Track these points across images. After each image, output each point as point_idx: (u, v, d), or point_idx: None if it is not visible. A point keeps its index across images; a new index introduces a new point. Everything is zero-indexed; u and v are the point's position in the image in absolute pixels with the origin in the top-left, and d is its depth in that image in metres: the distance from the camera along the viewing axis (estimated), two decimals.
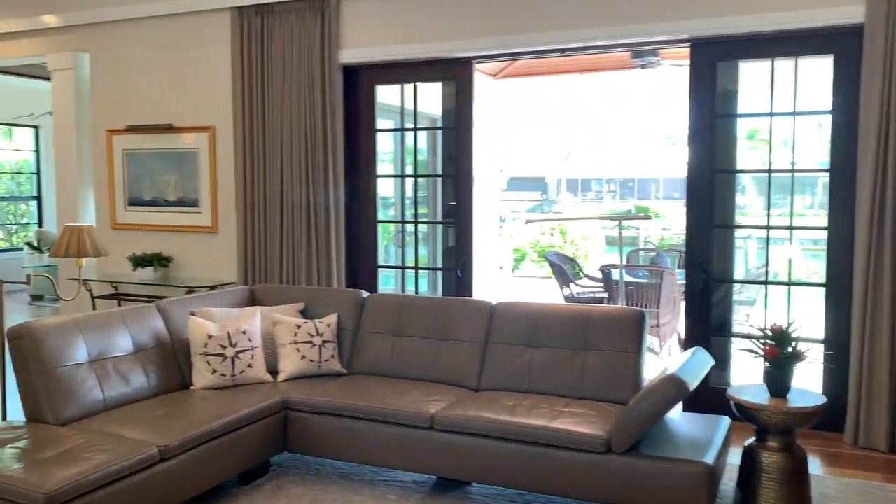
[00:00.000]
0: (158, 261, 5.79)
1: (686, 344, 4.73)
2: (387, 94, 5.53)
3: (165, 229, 5.97)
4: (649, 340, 4.34)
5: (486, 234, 6.47)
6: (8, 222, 10.88)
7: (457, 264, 5.18)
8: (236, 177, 5.59)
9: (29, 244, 9.39)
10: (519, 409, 3.36)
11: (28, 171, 11.05)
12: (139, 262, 5.75)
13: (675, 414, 3.43)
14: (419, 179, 5.96)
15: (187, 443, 3.07)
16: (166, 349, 3.79)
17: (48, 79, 9.82)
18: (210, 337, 3.77)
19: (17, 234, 10.95)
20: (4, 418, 3.85)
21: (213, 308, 4.05)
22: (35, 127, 11.00)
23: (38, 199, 11.11)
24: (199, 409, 3.40)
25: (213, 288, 5.52)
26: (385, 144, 6.10)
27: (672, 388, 2.97)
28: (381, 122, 5.56)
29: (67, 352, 3.30)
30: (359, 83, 5.39)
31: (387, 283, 5.88)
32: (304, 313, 4.24)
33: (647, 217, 12.69)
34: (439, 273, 6.20)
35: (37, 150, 11.07)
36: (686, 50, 4.61)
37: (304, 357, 3.93)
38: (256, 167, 5.50)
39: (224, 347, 3.77)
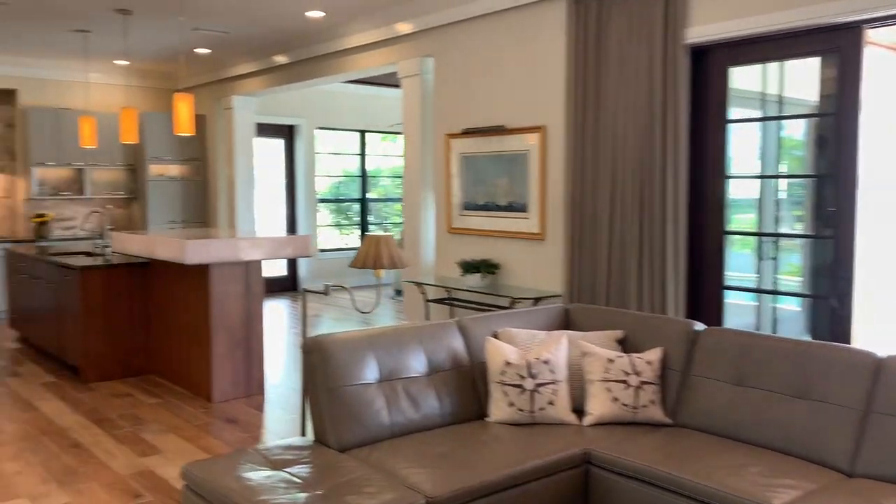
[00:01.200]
0: (486, 267, 5.55)
1: None
2: (742, 79, 4.53)
3: (495, 235, 5.72)
4: None
5: (880, 252, 5.04)
6: (385, 221, 11.89)
7: (831, 291, 4.01)
8: (565, 181, 5.08)
9: None
10: None
11: (402, 174, 11.96)
12: (468, 267, 5.58)
13: None
14: (784, 181, 4.83)
15: (460, 496, 2.62)
16: (464, 372, 3.42)
17: None
18: (508, 364, 3.30)
19: (393, 233, 11.92)
20: (304, 433, 3.85)
21: (517, 329, 3.58)
22: None
23: None
24: (486, 452, 2.94)
25: (537, 301, 5.10)
26: (741, 138, 5.07)
27: None
28: (734, 112, 4.59)
29: (357, 369, 3.09)
30: (707, 67, 4.50)
31: (735, 312, 4.86)
32: (623, 344, 3.56)
33: None
34: (806, 301, 4.98)
35: None
36: None
37: (615, 399, 3.26)
38: (586, 170, 4.93)
39: (523, 378, 3.27)
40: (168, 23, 6.77)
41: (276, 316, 8.79)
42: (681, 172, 4.47)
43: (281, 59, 8.12)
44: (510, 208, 5.60)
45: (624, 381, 3.27)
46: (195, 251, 4.74)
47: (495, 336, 3.57)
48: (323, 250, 11.04)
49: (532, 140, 5.40)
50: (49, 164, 8.84)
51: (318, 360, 3.06)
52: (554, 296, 5.16)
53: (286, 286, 10.80)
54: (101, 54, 8.29)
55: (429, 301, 5.97)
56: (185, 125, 5.58)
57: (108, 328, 5.70)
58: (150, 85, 9.81)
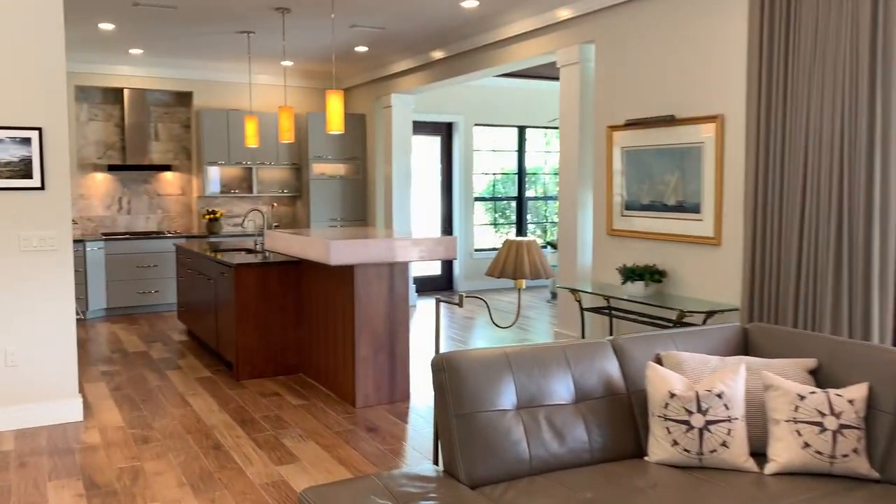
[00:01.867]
0: (650, 275, 4.99)
1: None
2: None
3: (661, 238, 5.14)
4: None
5: None
6: (542, 220, 11.46)
7: None
8: (746, 177, 4.43)
9: (550, 243, 9.62)
10: None
11: None
12: (630, 274, 5.05)
13: None
14: None
15: None
16: (619, 402, 2.95)
17: None
18: (673, 396, 2.80)
19: (550, 233, 11.46)
20: (437, 461, 3.53)
21: (685, 353, 3.05)
22: None
23: None
24: (644, 501, 2.47)
25: (709, 315, 4.49)
26: None
27: None
28: None
29: (493, 393, 2.72)
30: None
31: None
32: (816, 376, 2.93)
33: None
34: None
35: None
36: None
37: (806, 445, 2.66)
38: (772, 164, 4.26)
39: (690, 413, 2.75)
40: (325, 21, 6.74)
41: (429, 317, 8.62)
42: (890, 168, 3.71)
43: (437, 54, 7.92)
44: (680, 208, 5.00)
45: (818, 424, 2.67)
46: (339, 252, 4.58)
47: (658, 360, 3.06)
48: (478, 249, 10.79)
49: (707, 131, 4.78)
50: (220, 163, 9.21)
51: (448, 381, 2.72)
52: (729, 310, 4.52)
53: (441, 285, 10.66)
54: (265, 56, 8.49)
55: (585, 310, 5.49)
56: (335, 122, 5.46)
57: (260, 326, 5.72)
58: (312, 85, 9.99)
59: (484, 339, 7.14)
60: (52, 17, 4.52)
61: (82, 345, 7.02)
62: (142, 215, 9.31)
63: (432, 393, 5.29)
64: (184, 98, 9.50)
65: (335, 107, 5.42)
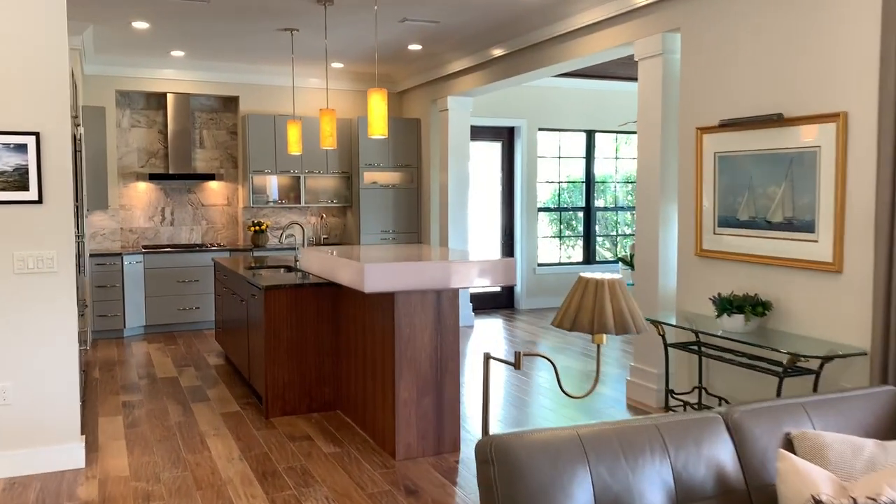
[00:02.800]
0: (753, 307, 4.12)
1: None
2: None
3: (764, 262, 4.26)
4: None
5: None
6: (613, 233, 10.56)
7: None
8: (879, 188, 3.54)
9: (622, 258, 8.75)
10: None
11: (634, 179, 10.54)
12: (726, 305, 4.18)
13: None
14: None
15: None
16: (739, 499, 2.14)
17: None
18: (818, 503, 1.97)
19: (622, 246, 10.55)
20: None
21: (828, 434, 2.21)
22: None
23: None
24: None
25: (827, 360, 3.60)
26: None
27: None
28: None
29: (561, 495, 1.95)
30: None
31: None
32: None
33: None
34: None
35: None
36: None
37: None
38: None
39: None
40: (371, 14, 6.08)
41: (486, 342, 7.85)
42: None
43: (497, 51, 7.17)
44: (788, 227, 4.12)
45: None
46: (374, 277, 3.87)
47: (789, 443, 2.24)
48: (542, 264, 9.97)
49: (824, 132, 3.89)
50: (267, 171, 8.66)
51: (498, 478, 1.95)
52: (855, 354, 3.63)
53: (501, 303, 9.87)
54: (311, 56, 7.90)
55: (669, 346, 4.65)
56: (377, 125, 4.77)
57: (293, 355, 5.06)
58: (362, 88, 9.36)
59: (549, 396, 6.33)
60: (52, 5, 3.95)
61: (111, 367, 6.51)
62: (185, 227, 8.83)
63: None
64: (229, 103, 9.00)
65: (378, 107, 4.73)
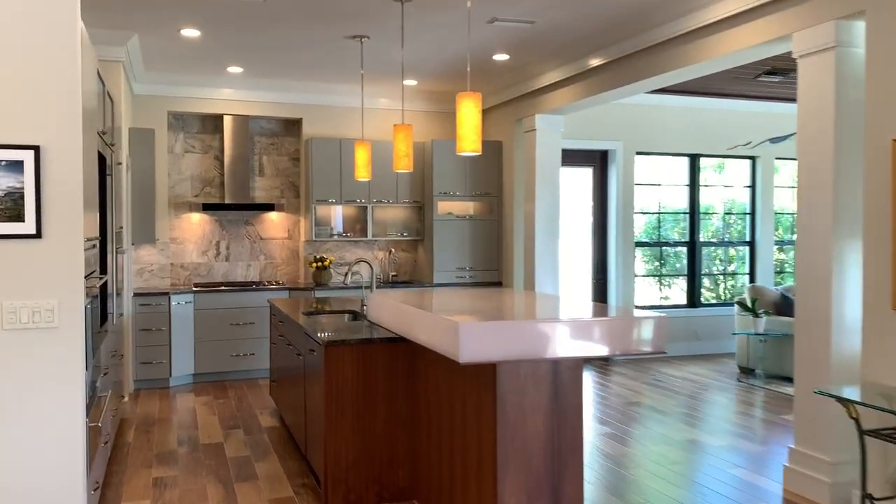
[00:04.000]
0: None
1: None
2: None
3: None
4: None
5: None
6: (715, 270, 9.28)
7: None
8: None
9: (740, 303, 7.48)
10: None
11: (740, 210, 9.27)
12: None
13: None
14: None
15: None
16: None
17: (771, 98, 7.72)
18: None
19: (725, 286, 9.26)
20: None
21: None
22: (752, 158, 9.15)
23: (752, 245, 9.21)
24: None
25: None
26: None
27: None
28: None
29: None
30: None
31: None
32: None
33: None
34: None
35: (752, 186, 9.20)
36: None
37: None
38: None
39: None
40: (455, 14, 5.10)
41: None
42: None
43: (595, 60, 6.12)
44: None
45: None
46: (474, 342, 2.80)
47: None
48: (640, 307, 8.74)
49: None
50: (331, 201, 7.75)
51: None
52: None
53: None
54: (382, 71, 6.98)
55: (865, 433, 3.42)
56: (469, 139, 3.74)
57: (359, 428, 4.02)
58: (437, 109, 8.41)
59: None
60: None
61: (149, 427, 5.60)
62: (241, 262, 7.97)
63: None
64: (291, 126, 8.16)
65: (469, 116, 3.70)
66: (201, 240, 7.84)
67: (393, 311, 3.77)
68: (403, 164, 4.87)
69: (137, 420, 5.83)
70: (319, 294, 7.51)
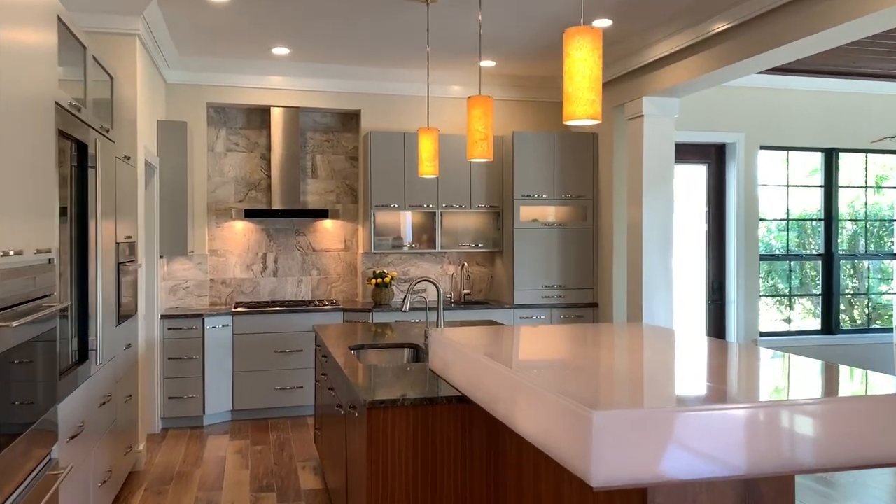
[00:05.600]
0: None
1: None
2: None
3: None
4: None
5: None
6: (860, 288, 7.65)
7: None
8: None
9: None
10: None
11: (884, 216, 7.63)
12: None
13: None
14: None
15: None
16: None
17: None
18: None
19: (863, 307, 7.64)
20: None
21: None
22: None
23: None
24: None
25: None
26: None
27: None
28: None
29: None
30: None
31: None
32: None
33: None
34: None
35: None
36: None
37: None
38: None
39: None
40: None
41: None
42: None
43: (719, 24, 4.72)
44: None
45: None
46: (618, 449, 1.49)
47: None
48: (766, 334, 7.23)
49: None
50: (392, 206, 6.56)
51: None
52: None
53: None
54: (455, 51, 5.76)
55: None
56: (583, 99, 2.44)
57: None
58: (519, 96, 7.12)
59: None
60: None
61: (163, 485, 4.48)
62: (292, 278, 6.86)
63: None
64: (349, 121, 7.03)
65: (587, 61, 2.41)
66: (246, 252, 6.77)
67: (464, 366, 2.51)
68: (480, 150, 3.60)
69: (152, 475, 4.73)
70: (378, 317, 6.31)
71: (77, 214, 3.33)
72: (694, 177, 7.18)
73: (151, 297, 5.69)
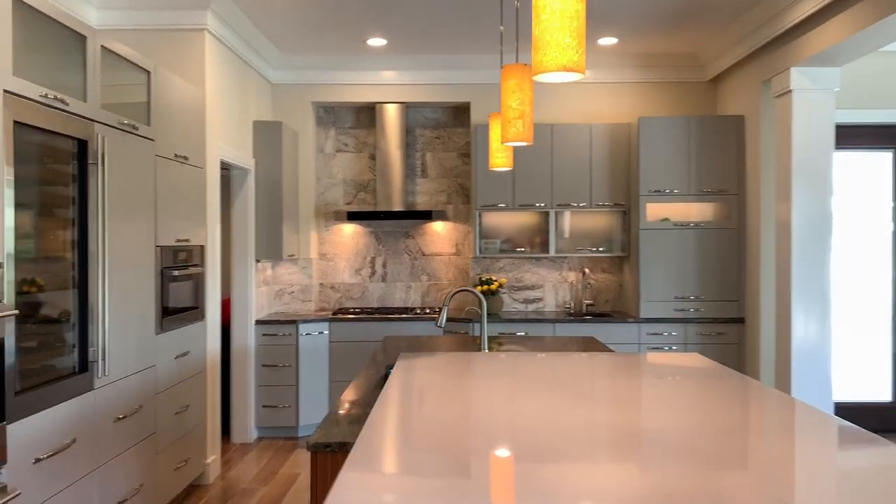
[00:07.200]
0: None
1: None
2: None
3: None
4: None
5: None
6: None
7: None
8: None
9: None
10: None
11: None
12: None
13: None
14: None
15: None
16: None
17: None
18: None
19: None
20: None
21: None
22: None
23: None
24: None
25: None
26: None
27: None
28: None
29: None
30: None
31: None
32: None
33: None
34: None
35: None
36: None
37: None
38: None
39: None
40: None
41: None
42: None
43: None
44: None
45: None
46: None
47: None
48: None
49: None
50: (500, 206, 5.95)
51: None
52: None
53: (890, 423, 5.83)
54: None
55: None
56: (554, 48, 1.73)
57: None
58: (647, 77, 6.20)
59: None
60: None
61: None
62: (401, 283, 6.47)
63: None
64: (459, 115, 6.51)
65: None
66: (354, 256, 6.48)
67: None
68: (515, 131, 2.90)
69: (212, 492, 4.49)
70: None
71: (78, 214, 3.10)
72: (873, 166, 5.85)
73: (244, 303, 5.53)
